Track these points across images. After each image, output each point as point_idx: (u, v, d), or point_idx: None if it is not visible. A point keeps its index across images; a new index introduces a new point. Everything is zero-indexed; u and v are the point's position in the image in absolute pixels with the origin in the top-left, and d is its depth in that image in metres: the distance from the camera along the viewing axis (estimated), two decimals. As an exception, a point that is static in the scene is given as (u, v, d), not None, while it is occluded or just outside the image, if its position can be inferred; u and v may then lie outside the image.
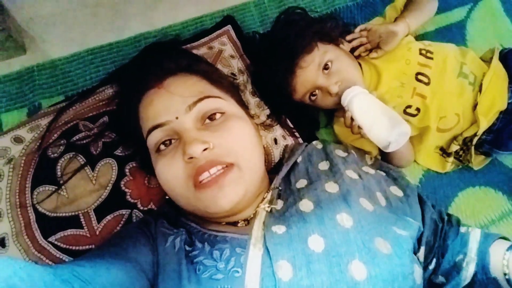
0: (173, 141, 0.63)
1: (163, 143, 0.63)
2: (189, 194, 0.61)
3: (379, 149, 0.88)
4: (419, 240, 0.67)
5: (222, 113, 0.65)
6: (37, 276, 0.40)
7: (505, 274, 0.60)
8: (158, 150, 0.64)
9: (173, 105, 0.63)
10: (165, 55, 0.73)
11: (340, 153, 0.78)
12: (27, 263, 0.41)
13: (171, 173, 0.61)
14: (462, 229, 0.70)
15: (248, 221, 0.65)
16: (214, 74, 0.73)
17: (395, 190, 0.72)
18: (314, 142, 0.83)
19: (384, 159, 0.87)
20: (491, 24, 1.10)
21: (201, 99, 0.64)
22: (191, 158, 0.59)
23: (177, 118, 0.62)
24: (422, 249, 0.66)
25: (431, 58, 0.88)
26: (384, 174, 0.77)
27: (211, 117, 0.64)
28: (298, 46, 0.81)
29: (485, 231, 0.69)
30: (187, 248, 0.61)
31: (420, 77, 0.87)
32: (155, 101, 0.65)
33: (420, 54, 0.89)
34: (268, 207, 0.65)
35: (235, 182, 0.60)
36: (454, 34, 1.09)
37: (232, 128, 0.63)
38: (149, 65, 0.72)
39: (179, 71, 0.69)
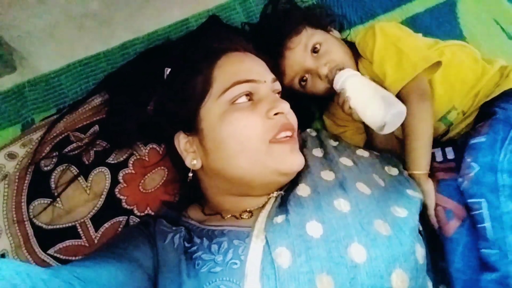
0: (251, 98, 0.67)
1: (245, 95, 0.66)
2: (262, 146, 0.62)
3: (365, 143, 0.87)
4: None
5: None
6: (38, 277, 0.41)
7: None
8: (233, 103, 0.65)
9: (264, 70, 0.71)
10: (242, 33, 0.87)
11: (331, 142, 0.77)
12: (28, 264, 0.42)
13: (250, 123, 0.63)
14: None
15: (252, 214, 0.65)
16: (272, 64, 0.76)
17: (390, 170, 0.72)
18: (308, 130, 0.83)
19: None
20: (483, 0, 1.08)
21: (275, 80, 0.72)
22: (276, 114, 0.64)
23: (265, 81, 0.68)
24: None
25: None
26: (378, 154, 0.77)
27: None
28: (285, 29, 0.81)
29: None
30: (186, 244, 0.61)
31: None
32: (247, 61, 0.70)
33: None
34: (277, 194, 0.66)
35: (299, 151, 0.67)
36: (444, 13, 1.06)
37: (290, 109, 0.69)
38: (234, 31, 0.84)
39: (256, 52, 0.74)
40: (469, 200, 0.67)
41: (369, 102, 0.72)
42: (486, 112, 0.77)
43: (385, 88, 0.77)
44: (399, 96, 0.75)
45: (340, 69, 0.79)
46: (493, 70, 0.81)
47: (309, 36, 0.82)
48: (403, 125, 0.75)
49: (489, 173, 0.65)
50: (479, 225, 0.64)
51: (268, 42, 0.81)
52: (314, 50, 0.82)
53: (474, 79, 0.81)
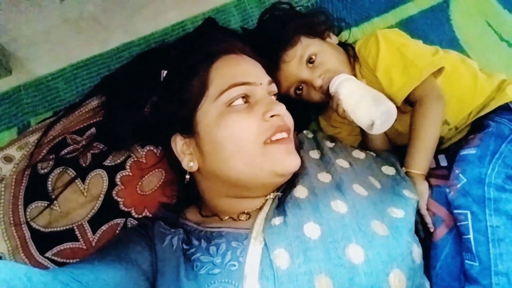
0: (247, 100, 0.67)
1: (242, 98, 0.66)
2: (258, 148, 0.62)
3: (359, 145, 0.87)
4: None
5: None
6: (37, 279, 0.41)
7: None
8: (230, 105, 0.65)
9: (260, 72, 0.71)
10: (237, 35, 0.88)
11: (327, 143, 0.78)
12: (27, 266, 0.42)
13: (246, 125, 0.63)
14: None
15: (250, 215, 0.66)
16: (267, 67, 0.76)
17: (387, 169, 0.73)
18: (304, 132, 0.84)
19: None
20: (475, 1, 1.09)
21: (271, 82, 0.72)
22: (272, 116, 0.64)
23: (261, 84, 0.68)
24: None
25: None
26: (374, 155, 0.78)
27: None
28: (281, 41, 0.81)
29: None
30: (185, 246, 0.61)
31: None
32: (243, 63, 0.70)
33: None
34: (274, 195, 0.66)
35: (295, 152, 0.67)
36: (438, 15, 1.08)
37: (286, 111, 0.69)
38: (229, 34, 0.85)
39: (253, 54, 0.74)
40: (455, 211, 0.67)
41: (359, 102, 0.73)
42: (479, 124, 0.78)
43: (392, 94, 0.78)
44: (409, 101, 0.76)
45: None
46: (491, 88, 0.80)
47: (304, 48, 0.82)
48: (412, 122, 0.75)
49: (476, 186, 0.66)
50: (464, 236, 0.65)
51: (264, 53, 0.80)
52: (310, 61, 0.82)
53: (470, 97, 0.80)
